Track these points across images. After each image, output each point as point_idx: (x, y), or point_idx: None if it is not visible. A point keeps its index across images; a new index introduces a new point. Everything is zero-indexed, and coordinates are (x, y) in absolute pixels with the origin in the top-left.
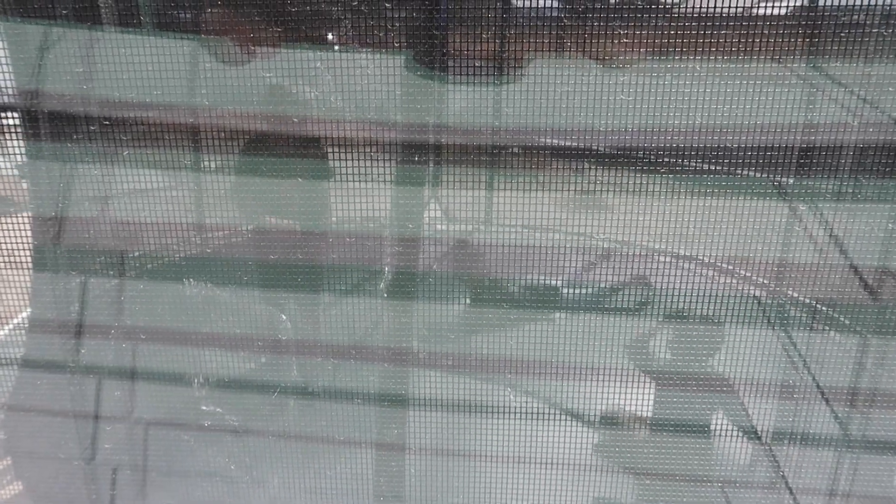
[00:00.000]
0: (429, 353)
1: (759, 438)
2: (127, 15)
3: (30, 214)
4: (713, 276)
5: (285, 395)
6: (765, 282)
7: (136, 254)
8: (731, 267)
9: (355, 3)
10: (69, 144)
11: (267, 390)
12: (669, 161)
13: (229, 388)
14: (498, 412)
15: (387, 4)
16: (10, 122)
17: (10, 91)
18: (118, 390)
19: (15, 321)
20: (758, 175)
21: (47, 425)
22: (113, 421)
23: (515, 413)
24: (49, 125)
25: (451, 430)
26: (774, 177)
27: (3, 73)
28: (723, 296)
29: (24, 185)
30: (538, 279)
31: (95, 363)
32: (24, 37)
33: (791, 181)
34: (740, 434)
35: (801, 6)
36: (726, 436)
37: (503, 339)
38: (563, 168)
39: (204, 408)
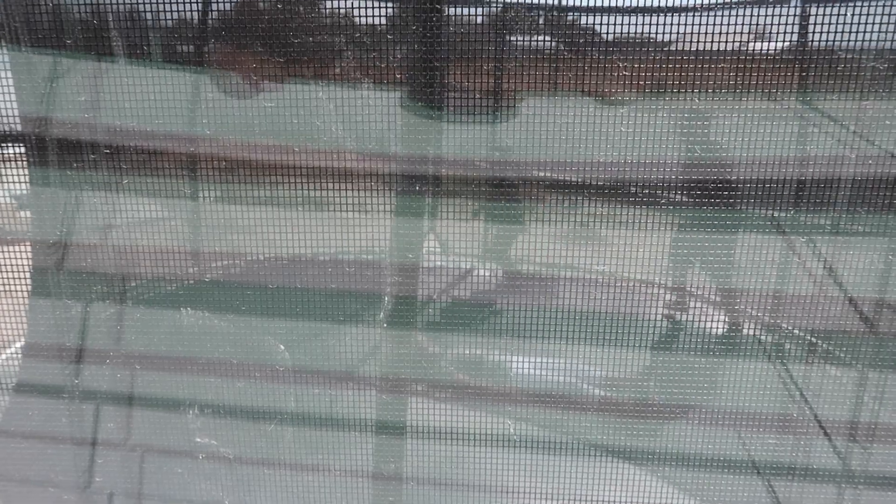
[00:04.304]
0: (427, 382)
1: (755, 472)
2: (134, 46)
3: (28, 243)
4: (709, 309)
5: (282, 426)
6: (762, 315)
7: (136, 282)
8: (727, 300)
9: (357, 35)
10: (70, 173)
11: (264, 420)
12: (667, 195)
13: (225, 419)
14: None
15: (388, 37)
16: (10, 151)
17: (12, 120)
18: (111, 419)
19: (11, 349)
20: (756, 209)
21: (39, 452)
22: (106, 450)
23: (516, 444)
24: (50, 154)
25: (450, 461)
26: (773, 210)
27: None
28: (720, 328)
29: (23, 215)
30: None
31: (91, 391)
32: (30, 66)
33: (789, 214)
34: (736, 468)
35: (794, 43)
36: (721, 469)
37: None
38: (561, 201)
39: (198, 440)
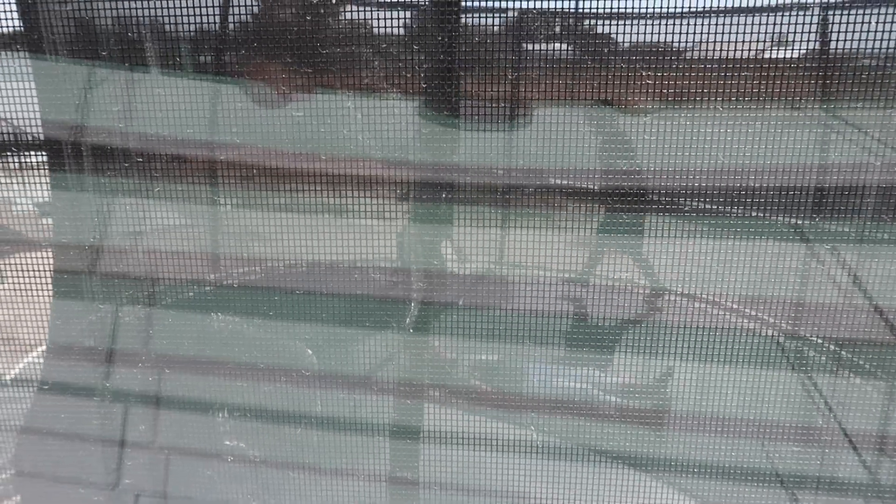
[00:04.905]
0: (450, 388)
1: (778, 484)
2: (165, 57)
3: (50, 248)
4: (734, 317)
5: (308, 429)
6: (786, 324)
7: (161, 287)
8: (752, 310)
9: (384, 45)
10: (96, 180)
11: (290, 424)
12: (695, 203)
13: (253, 422)
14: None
15: (415, 46)
16: (33, 159)
17: (38, 128)
18: (134, 420)
19: (34, 353)
20: (780, 217)
21: (64, 452)
22: (131, 451)
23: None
24: (76, 161)
25: (470, 467)
26: (798, 218)
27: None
28: (743, 337)
29: (45, 222)
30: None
31: (116, 394)
32: (55, 75)
33: (815, 222)
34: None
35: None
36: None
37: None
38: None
39: (227, 443)
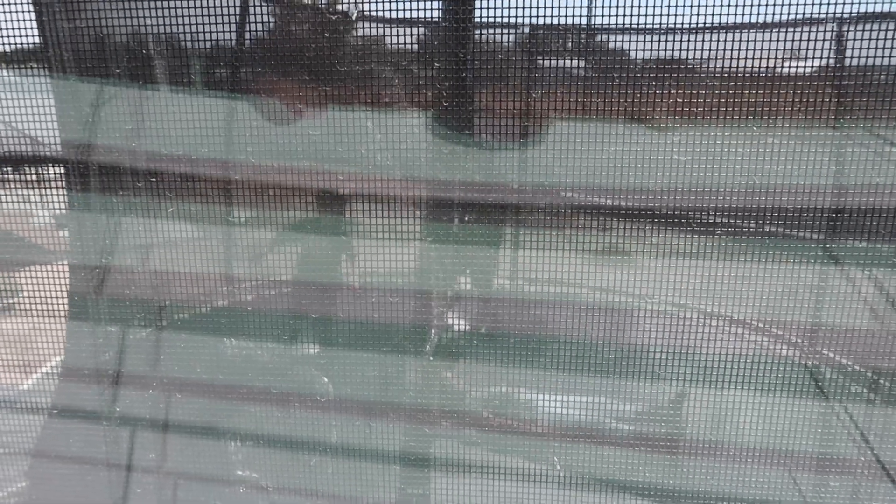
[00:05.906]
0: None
1: None
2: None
3: (67, 263)
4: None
5: (324, 458)
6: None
7: (173, 307)
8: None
9: (405, 62)
10: (111, 197)
11: (305, 453)
12: (717, 222)
13: (265, 451)
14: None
15: (436, 63)
16: (52, 173)
17: (55, 144)
18: (147, 449)
19: (44, 369)
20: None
21: (71, 475)
22: (140, 476)
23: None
24: (91, 178)
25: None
26: (826, 238)
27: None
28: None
29: (62, 234)
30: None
31: (126, 416)
32: (75, 93)
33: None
34: None
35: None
36: None
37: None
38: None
39: (239, 472)
